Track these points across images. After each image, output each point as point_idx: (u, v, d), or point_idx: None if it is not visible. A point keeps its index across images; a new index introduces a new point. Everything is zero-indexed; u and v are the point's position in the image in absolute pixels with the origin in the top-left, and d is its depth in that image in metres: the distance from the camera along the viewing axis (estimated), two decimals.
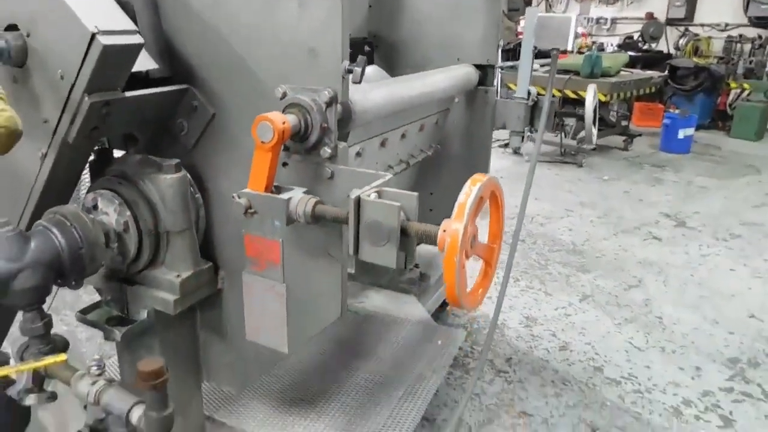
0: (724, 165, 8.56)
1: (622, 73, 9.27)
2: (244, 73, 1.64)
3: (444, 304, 4.03)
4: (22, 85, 1.53)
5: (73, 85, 1.44)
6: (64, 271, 1.51)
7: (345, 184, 1.52)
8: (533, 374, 3.42)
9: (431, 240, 1.25)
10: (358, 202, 1.31)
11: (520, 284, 4.57)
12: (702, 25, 12.63)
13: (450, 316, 4.05)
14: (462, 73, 2.58)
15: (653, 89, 9.72)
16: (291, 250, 1.70)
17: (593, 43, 13.17)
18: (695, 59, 11.62)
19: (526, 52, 2.77)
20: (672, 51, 12.75)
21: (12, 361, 1.70)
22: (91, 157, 1.86)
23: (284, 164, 1.61)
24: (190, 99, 1.73)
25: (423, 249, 3.72)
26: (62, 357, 1.44)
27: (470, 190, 1.16)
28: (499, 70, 9.21)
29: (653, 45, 13.11)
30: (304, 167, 1.60)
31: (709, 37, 12.42)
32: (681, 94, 10.87)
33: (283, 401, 2.42)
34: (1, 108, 1.37)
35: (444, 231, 1.21)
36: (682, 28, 12.82)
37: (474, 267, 1.35)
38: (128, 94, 1.54)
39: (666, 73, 10.61)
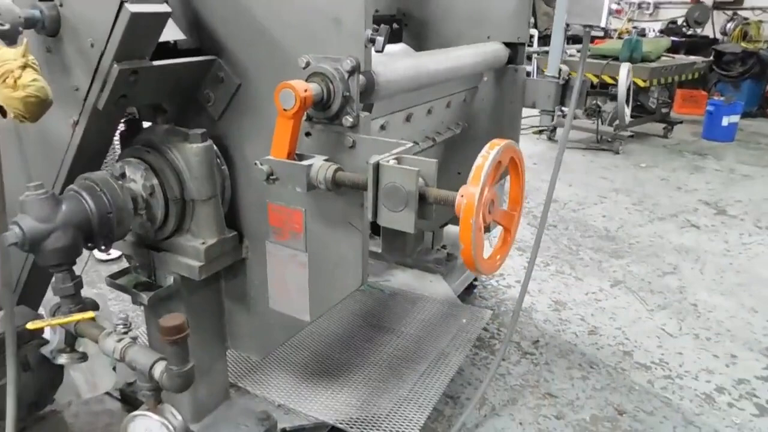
0: None
1: (663, 58, 8.99)
2: (268, 44, 1.66)
3: (471, 286, 4.03)
4: (54, 54, 1.58)
5: (102, 53, 1.48)
6: (93, 234, 1.56)
7: (366, 153, 1.53)
8: (560, 357, 3.38)
9: (449, 204, 1.25)
10: (377, 167, 1.32)
11: (550, 269, 4.52)
12: (753, 9, 12.10)
13: (477, 298, 4.04)
14: (490, 50, 2.55)
15: (696, 75, 9.41)
16: (313, 220, 1.73)
17: (634, 28, 12.78)
18: (743, 44, 11.17)
19: (557, 29, 2.72)
20: (718, 36, 12.27)
21: None
22: (121, 128, 1.92)
23: (307, 134, 1.63)
24: (217, 70, 1.76)
25: (450, 230, 3.72)
26: (90, 314, 1.50)
27: (487, 154, 1.15)
28: (535, 55, 9.11)
29: (698, 30, 12.64)
30: (326, 136, 1.61)
31: (760, 21, 11.90)
32: (726, 80, 10.49)
33: (306, 372, 2.47)
34: (32, 78, 1.42)
35: (461, 196, 1.21)
36: (730, 12, 12.31)
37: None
38: (156, 63, 1.57)
39: (711, 58, 10.23)
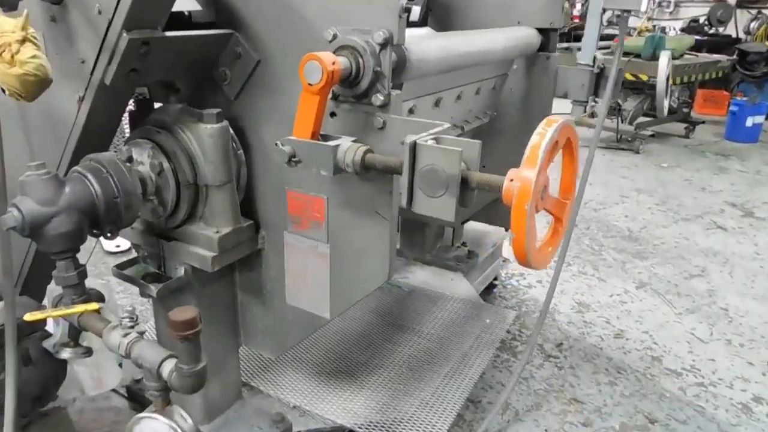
0: None
1: (686, 56, 8.77)
2: (291, 15, 1.53)
3: (491, 285, 3.89)
4: (59, 23, 1.45)
5: (110, 21, 1.35)
6: (99, 219, 1.44)
7: (398, 135, 1.39)
8: (585, 361, 3.23)
9: (494, 189, 1.11)
10: (413, 147, 1.18)
11: (572, 269, 4.36)
12: None
13: (497, 298, 3.90)
14: (523, 35, 2.40)
15: (720, 74, 9.17)
16: (336, 208, 1.60)
17: (654, 26, 12.53)
18: (767, 43, 10.91)
19: (593, 14, 2.58)
20: (741, 35, 12.00)
21: None
22: (131, 108, 1.79)
23: (332, 114, 1.50)
24: (234, 45, 1.63)
25: (470, 227, 3.58)
26: (94, 306, 1.38)
27: (544, 131, 1.01)
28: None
29: (720, 29, 12.38)
30: (353, 117, 1.48)
31: None
32: (750, 80, 10.23)
33: (322, 372, 2.34)
34: (32, 54, 1.30)
35: (511, 180, 1.07)
36: (754, 11, 12.04)
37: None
38: (168, 33, 1.45)
39: (734, 57, 9.99)
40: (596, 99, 2.66)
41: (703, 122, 9.22)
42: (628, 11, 2.51)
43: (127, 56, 1.38)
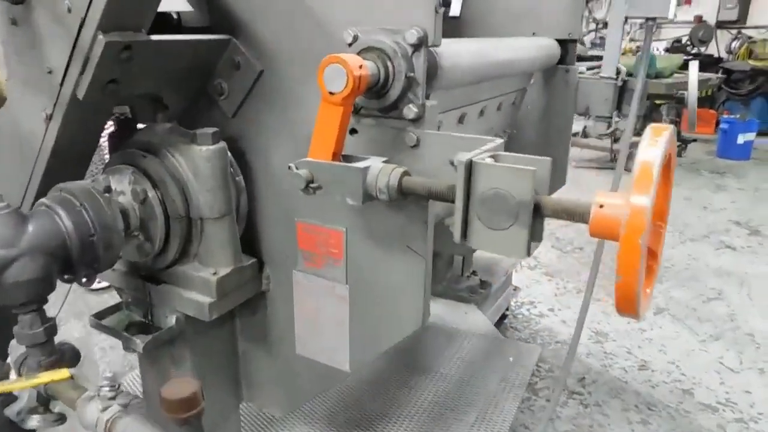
0: None
1: (675, 75, 8.73)
2: (301, 16, 1.29)
3: (502, 316, 3.64)
4: (21, 26, 1.20)
5: (83, 21, 1.11)
6: (71, 262, 1.18)
7: (435, 154, 1.16)
8: (612, 397, 2.97)
9: (576, 218, 0.87)
10: (469, 167, 0.93)
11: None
12: (756, 27, 11.98)
13: (509, 329, 3.64)
14: (546, 44, 2.19)
15: (709, 92, 9.16)
16: (357, 242, 1.34)
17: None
18: (750, 62, 10.98)
19: (615, 24, 2.38)
20: (723, 55, 12.12)
21: (13, 375, 1.38)
22: (111, 128, 1.54)
23: (352, 131, 1.26)
24: (232, 53, 1.39)
25: (479, 254, 3.34)
26: (64, 373, 1.10)
27: (655, 141, 0.77)
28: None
29: (702, 49, 12.48)
30: (378, 134, 1.24)
31: (765, 40, 11.76)
32: (736, 98, 10.26)
33: (333, 425, 2.05)
34: None
35: (601, 206, 0.83)
36: (734, 31, 12.20)
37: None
38: (154, 37, 1.20)
39: (721, 75, 10.02)
40: (620, 114, 2.45)
41: (695, 140, 9.17)
42: (653, 19, 2.33)
43: (104, 64, 1.13)
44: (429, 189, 1.03)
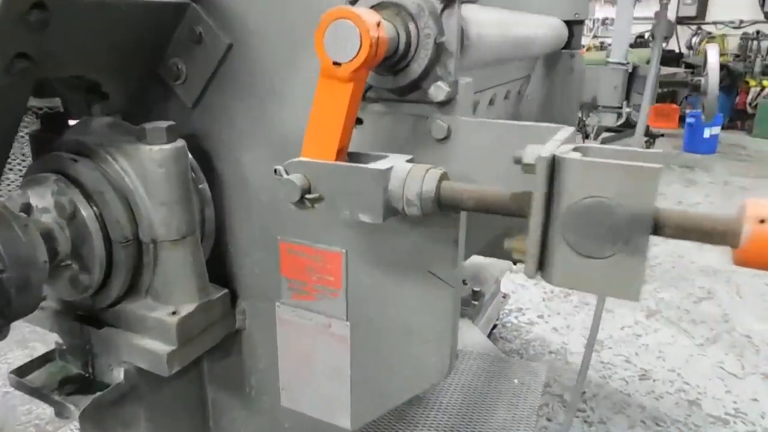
0: (756, 164, 8.01)
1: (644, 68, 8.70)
2: None
3: (492, 327, 3.37)
4: None
5: None
6: None
7: (472, 149, 0.86)
8: (616, 412, 2.74)
9: (724, 239, 0.59)
10: (552, 164, 0.64)
11: (572, 300, 3.90)
12: (715, 23, 12.18)
13: (499, 339, 3.39)
14: (556, 24, 1.92)
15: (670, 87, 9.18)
16: (360, 267, 1.04)
17: (601, 44, 12.67)
18: None
19: (624, 4, 2.13)
20: (683, 50, 12.27)
21: None
22: (33, 126, 1.19)
23: (357, 121, 0.95)
24: (192, 22, 1.06)
25: (470, 260, 3.06)
26: None
27: None
28: None
29: (663, 44, 12.61)
30: (390, 124, 0.93)
31: (724, 35, 11.96)
32: (699, 93, 10.33)
33: None
34: None
35: (762, 221, 0.55)
36: (693, 27, 12.37)
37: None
38: None
39: (687, 69, 10.08)
40: (630, 104, 2.21)
41: (662, 135, 9.16)
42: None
43: (8, 30, 0.79)
44: (481, 199, 0.73)
